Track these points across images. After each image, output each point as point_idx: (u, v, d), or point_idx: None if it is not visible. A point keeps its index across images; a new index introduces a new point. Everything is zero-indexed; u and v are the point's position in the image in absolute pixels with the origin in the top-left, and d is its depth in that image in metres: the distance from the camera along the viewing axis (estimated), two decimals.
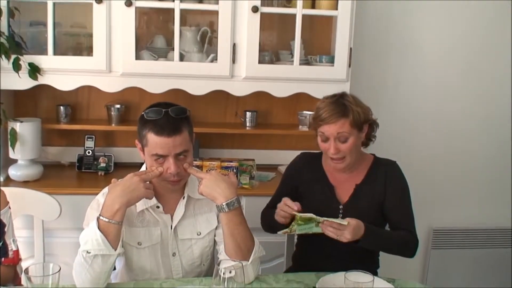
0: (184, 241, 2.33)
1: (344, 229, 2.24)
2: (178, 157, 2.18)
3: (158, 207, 2.29)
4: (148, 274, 2.32)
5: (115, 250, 2.07)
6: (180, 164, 2.19)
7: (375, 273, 2.48)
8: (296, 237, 2.83)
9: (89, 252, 2.04)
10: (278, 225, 2.38)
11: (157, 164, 2.18)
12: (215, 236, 2.37)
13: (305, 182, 2.60)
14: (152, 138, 2.16)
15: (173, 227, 2.30)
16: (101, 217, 2.06)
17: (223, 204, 2.16)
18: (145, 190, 2.12)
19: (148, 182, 2.15)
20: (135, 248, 2.27)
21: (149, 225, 2.29)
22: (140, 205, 2.25)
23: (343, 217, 2.46)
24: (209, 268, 2.42)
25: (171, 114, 2.18)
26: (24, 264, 2.39)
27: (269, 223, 2.53)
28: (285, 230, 2.32)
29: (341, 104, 2.40)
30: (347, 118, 2.38)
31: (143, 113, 2.22)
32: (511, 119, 4.12)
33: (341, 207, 2.54)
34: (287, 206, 2.30)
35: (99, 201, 2.26)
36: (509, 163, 4.19)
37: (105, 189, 2.31)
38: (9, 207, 2.36)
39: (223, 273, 1.84)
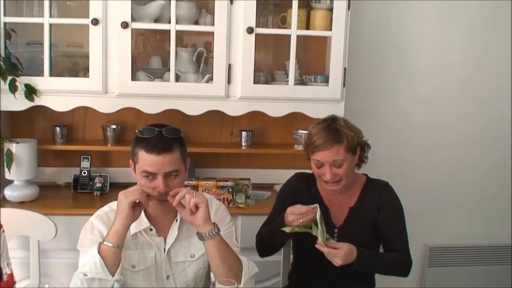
0: (178, 263, 2.32)
1: (336, 254, 2.25)
2: (168, 177, 2.18)
3: (151, 229, 2.28)
4: None
5: (113, 276, 2.06)
6: (170, 184, 2.18)
7: None
8: (292, 256, 2.82)
9: (86, 275, 2.04)
10: (279, 231, 2.36)
11: (147, 182, 2.18)
12: None
13: (300, 203, 2.59)
14: (142, 155, 2.16)
15: (166, 250, 2.29)
16: (104, 242, 2.07)
17: (214, 228, 2.15)
18: (129, 208, 2.10)
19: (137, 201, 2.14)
20: (129, 272, 2.25)
21: (143, 247, 2.28)
22: (133, 228, 2.24)
23: (338, 239, 2.48)
24: None
25: (164, 133, 2.19)
26: (19, 285, 2.38)
27: (270, 234, 2.53)
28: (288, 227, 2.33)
29: (334, 130, 2.39)
30: (341, 144, 2.38)
31: (136, 131, 2.23)
32: (510, 133, 4.13)
33: (336, 230, 2.53)
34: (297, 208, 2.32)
35: (93, 223, 2.26)
36: (506, 179, 4.20)
37: (99, 211, 2.32)
38: (3, 231, 2.35)
39: None
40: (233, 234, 2.40)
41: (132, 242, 2.24)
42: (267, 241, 2.57)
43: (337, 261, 2.26)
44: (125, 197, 2.11)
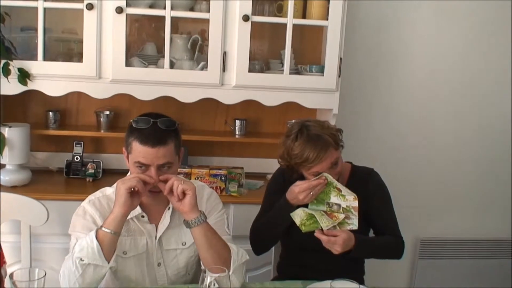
0: (169, 251, 2.33)
1: (335, 241, 2.25)
2: (161, 168, 2.18)
3: (143, 216, 2.28)
4: (133, 283, 2.31)
5: (108, 262, 2.06)
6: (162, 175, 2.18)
7: (361, 282, 2.49)
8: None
9: (83, 260, 2.03)
10: (286, 214, 2.37)
11: (140, 172, 2.17)
12: None
13: None
14: (136, 146, 2.16)
15: (157, 238, 2.30)
16: (102, 228, 2.07)
17: (201, 215, 2.15)
18: (127, 195, 2.10)
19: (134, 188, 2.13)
20: (120, 258, 2.24)
21: (135, 234, 2.28)
22: None
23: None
24: (194, 277, 2.41)
25: (159, 125, 2.18)
26: (10, 270, 2.37)
27: (269, 222, 2.52)
28: (299, 215, 2.34)
29: (316, 138, 2.34)
30: (330, 147, 2.35)
31: (131, 121, 2.22)
32: (503, 126, 4.15)
33: None
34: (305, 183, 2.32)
35: (85, 208, 2.26)
36: (499, 173, 4.21)
37: (91, 196, 2.32)
38: None
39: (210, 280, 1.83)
40: (225, 222, 2.40)
41: (123, 229, 2.22)
42: (265, 233, 2.56)
43: (337, 249, 2.27)
44: (122, 184, 2.11)
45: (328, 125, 2.44)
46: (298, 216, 2.34)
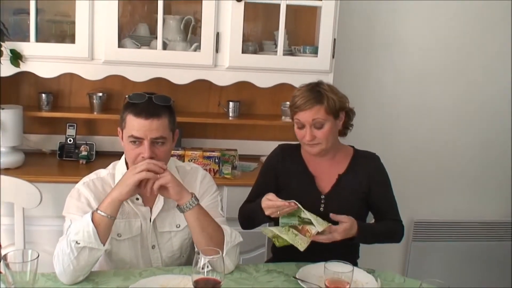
0: (163, 233, 2.34)
1: (335, 230, 2.28)
2: (155, 144, 2.18)
3: (137, 199, 2.28)
4: (128, 265, 2.32)
5: (104, 245, 2.07)
6: (156, 151, 2.18)
7: (355, 264, 2.50)
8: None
9: (78, 243, 2.03)
10: (260, 216, 2.37)
11: (133, 148, 2.17)
12: None
13: (285, 173, 2.59)
14: (130, 119, 2.16)
15: (152, 220, 2.30)
16: (97, 211, 2.07)
17: (192, 198, 2.16)
18: (134, 186, 2.10)
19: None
20: (114, 240, 2.25)
21: (130, 217, 2.29)
22: None
23: (324, 207, 2.51)
24: (188, 259, 2.42)
25: (154, 100, 2.19)
26: (4, 252, 2.37)
27: (249, 215, 2.53)
28: (271, 230, 2.32)
29: (315, 91, 2.42)
30: (321, 105, 2.39)
31: (126, 96, 2.23)
32: (497, 109, 4.16)
33: (322, 197, 2.54)
34: (272, 201, 2.29)
35: (80, 190, 2.26)
36: (493, 156, 4.22)
37: (86, 178, 2.31)
38: None
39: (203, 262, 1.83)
40: (219, 204, 2.41)
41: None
42: (248, 219, 2.57)
43: (336, 237, 2.29)
44: (134, 174, 2.11)
45: (338, 94, 2.48)
46: (270, 231, 2.33)
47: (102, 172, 2.34)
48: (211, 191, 2.41)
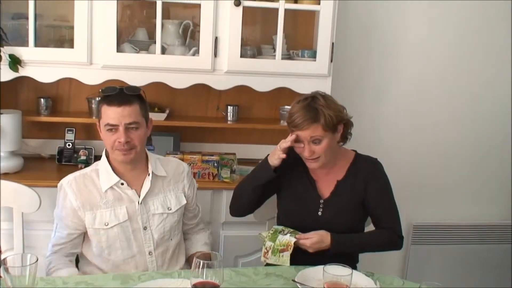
0: (155, 215, 2.49)
1: (304, 244, 2.40)
2: (129, 129, 2.36)
3: (122, 183, 2.43)
4: (120, 250, 2.45)
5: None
6: (131, 135, 2.36)
7: (354, 267, 2.50)
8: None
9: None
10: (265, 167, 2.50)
11: (110, 135, 2.33)
12: (184, 212, 2.65)
13: (287, 173, 2.60)
14: (105, 109, 2.37)
15: (140, 202, 2.44)
16: None
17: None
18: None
19: None
20: (102, 230, 2.41)
21: (114, 205, 2.43)
22: (105, 185, 2.41)
23: (323, 212, 2.54)
24: (177, 245, 2.59)
25: (125, 90, 2.40)
26: (3, 256, 2.38)
27: (252, 175, 2.61)
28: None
29: (312, 109, 2.41)
30: (318, 123, 2.40)
31: (100, 89, 2.42)
32: (495, 110, 4.15)
33: (321, 201, 2.55)
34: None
35: (66, 191, 2.46)
36: (490, 159, 4.22)
37: (69, 176, 2.50)
38: None
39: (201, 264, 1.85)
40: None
41: (101, 202, 2.40)
42: (245, 188, 2.61)
43: (309, 250, 2.40)
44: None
45: (336, 108, 2.47)
46: (263, 240, 2.49)
47: (86, 169, 2.52)
48: (193, 183, 2.70)
